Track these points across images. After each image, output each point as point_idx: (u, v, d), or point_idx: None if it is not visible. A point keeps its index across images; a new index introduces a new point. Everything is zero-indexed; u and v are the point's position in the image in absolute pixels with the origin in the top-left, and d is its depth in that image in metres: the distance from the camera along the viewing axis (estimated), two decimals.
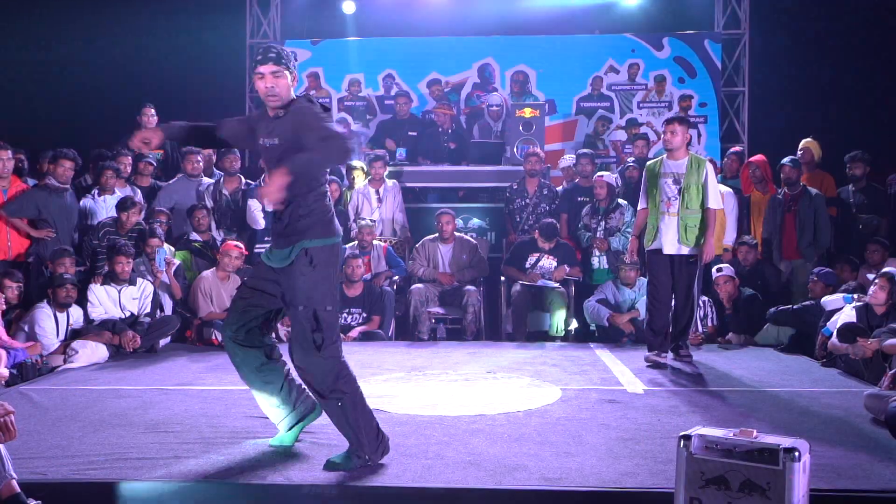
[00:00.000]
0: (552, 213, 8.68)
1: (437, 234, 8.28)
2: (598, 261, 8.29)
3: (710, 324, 7.68)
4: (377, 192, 8.78)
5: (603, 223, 8.26)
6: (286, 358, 4.12)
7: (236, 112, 11.10)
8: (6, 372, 5.70)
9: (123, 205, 7.62)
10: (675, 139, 6.44)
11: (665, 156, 6.61)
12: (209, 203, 8.34)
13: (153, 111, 8.98)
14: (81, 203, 7.93)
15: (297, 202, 3.80)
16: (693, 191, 6.37)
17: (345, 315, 7.86)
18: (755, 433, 3.12)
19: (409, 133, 9.98)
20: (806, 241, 8.05)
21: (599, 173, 8.58)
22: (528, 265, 8.09)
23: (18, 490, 3.30)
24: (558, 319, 7.85)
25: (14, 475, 3.32)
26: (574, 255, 8.29)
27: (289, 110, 3.85)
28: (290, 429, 4.19)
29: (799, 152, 8.76)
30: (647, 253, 6.59)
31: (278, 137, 3.85)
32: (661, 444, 4.17)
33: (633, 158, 9.35)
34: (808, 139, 8.97)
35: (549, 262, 8.05)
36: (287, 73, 3.84)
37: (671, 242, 6.41)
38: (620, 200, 8.34)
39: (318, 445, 4.17)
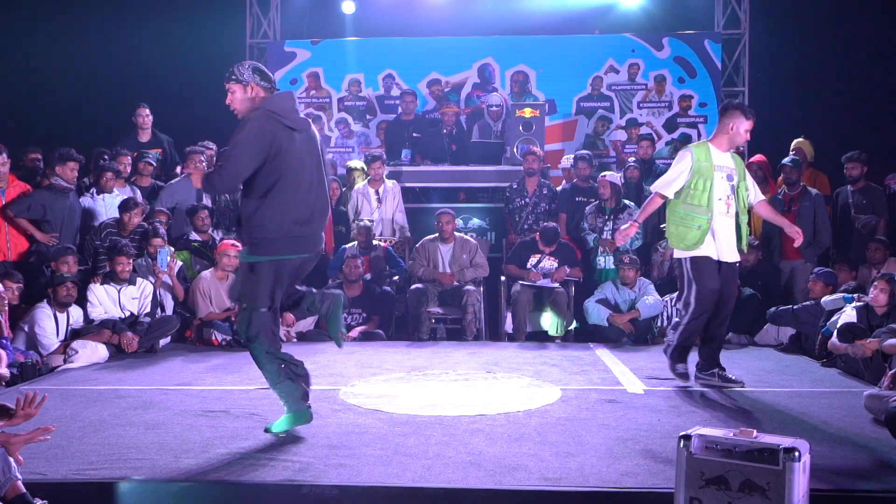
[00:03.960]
0: (551, 212, 8.69)
1: (437, 234, 8.28)
2: (605, 261, 8.28)
3: None
4: (377, 192, 8.78)
5: (611, 224, 8.26)
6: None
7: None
8: (6, 372, 5.70)
9: (126, 206, 7.63)
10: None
11: (711, 145, 5.57)
12: (208, 203, 8.35)
13: (147, 111, 9.01)
14: (81, 202, 7.94)
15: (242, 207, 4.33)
16: (742, 189, 5.60)
17: (345, 315, 7.87)
18: (755, 433, 3.12)
19: (414, 134, 9.98)
20: (806, 241, 8.03)
21: (603, 173, 8.57)
22: (529, 266, 8.10)
23: (24, 491, 3.32)
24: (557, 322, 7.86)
25: (19, 476, 3.34)
26: (575, 256, 8.29)
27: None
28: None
29: (791, 152, 8.77)
30: (692, 259, 5.51)
31: None
32: (661, 444, 4.17)
33: (633, 159, 9.35)
34: (800, 139, 8.98)
35: (550, 263, 8.05)
36: (237, 86, 4.26)
37: (730, 249, 5.59)
38: (627, 202, 8.35)
39: (316, 446, 4.17)
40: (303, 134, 4.28)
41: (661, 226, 5.96)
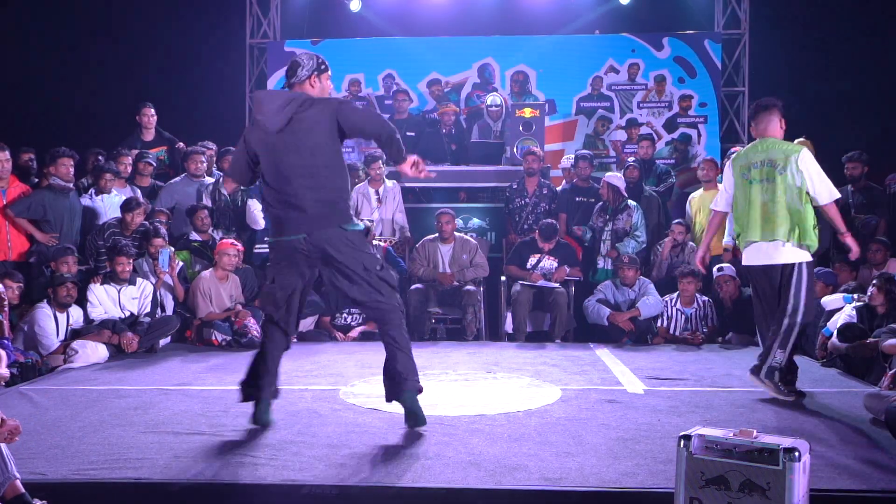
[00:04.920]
0: (551, 212, 8.69)
1: (437, 234, 8.28)
2: (604, 261, 8.31)
3: (710, 324, 7.69)
4: (377, 192, 8.77)
5: (611, 224, 8.27)
6: None
7: (236, 112, 11.14)
8: (6, 372, 5.69)
9: (128, 206, 7.63)
10: None
11: None
12: (208, 203, 8.34)
13: (153, 111, 9.00)
14: (81, 202, 7.93)
15: None
16: None
17: (345, 315, 7.87)
18: (755, 433, 3.12)
19: (408, 133, 9.97)
20: None
21: (608, 174, 8.60)
22: (529, 265, 8.10)
23: (23, 490, 3.32)
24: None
25: (18, 475, 3.34)
26: (575, 256, 8.30)
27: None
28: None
29: None
30: (809, 263, 5.25)
31: None
32: (661, 444, 4.17)
33: (633, 158, 9.35)
34: (801, 138, 8.97)
35: (549, 263, 8.06)
36: None
37: None
38: (630, 202, 8.35)
39: (316, 446, 4.17)
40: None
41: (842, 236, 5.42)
